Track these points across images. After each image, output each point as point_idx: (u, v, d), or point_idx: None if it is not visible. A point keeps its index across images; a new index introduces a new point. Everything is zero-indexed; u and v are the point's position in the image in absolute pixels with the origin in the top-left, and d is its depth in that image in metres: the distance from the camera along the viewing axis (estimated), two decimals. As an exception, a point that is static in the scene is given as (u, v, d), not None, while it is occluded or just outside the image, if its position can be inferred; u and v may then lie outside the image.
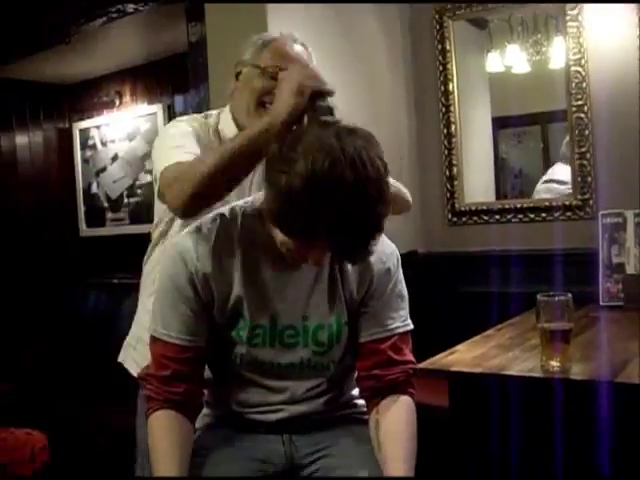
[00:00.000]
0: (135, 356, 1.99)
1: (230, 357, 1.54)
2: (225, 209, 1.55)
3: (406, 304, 1.62)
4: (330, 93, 1.47)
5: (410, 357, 1.59)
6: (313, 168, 1.21)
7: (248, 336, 1.51)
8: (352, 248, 1.32)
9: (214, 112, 1.94)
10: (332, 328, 1.54)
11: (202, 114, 1.95)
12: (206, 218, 1.54)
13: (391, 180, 1.40)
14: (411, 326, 1.61)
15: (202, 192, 1.50)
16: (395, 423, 1.51)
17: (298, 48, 1.82)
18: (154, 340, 1.52)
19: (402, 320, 1.58)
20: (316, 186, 1.21)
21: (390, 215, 1.42)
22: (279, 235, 1.35)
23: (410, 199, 1.89)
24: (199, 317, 1.49)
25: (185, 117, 1.92)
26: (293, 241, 1.33)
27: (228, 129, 1.83)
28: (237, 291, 1.49)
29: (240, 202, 1.57)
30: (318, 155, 1.22)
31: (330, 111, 1.45)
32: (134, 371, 1.96)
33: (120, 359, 2.08)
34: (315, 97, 1.46)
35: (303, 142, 1.25)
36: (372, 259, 1.51)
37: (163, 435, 1.46)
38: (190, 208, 1.55)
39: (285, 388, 1.56)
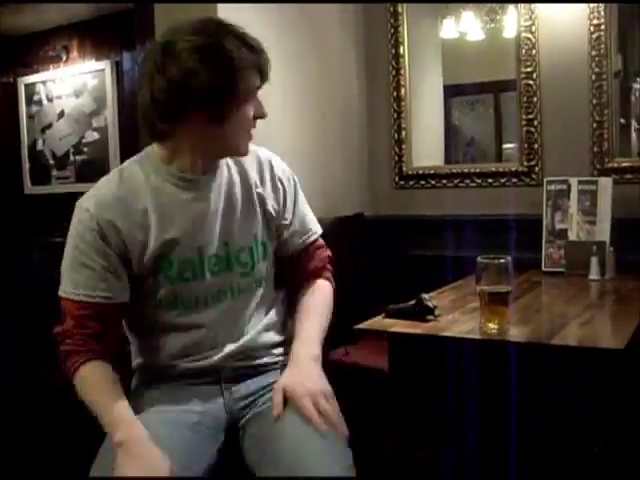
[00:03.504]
0: None
1: (149, 306, 1.55)
2: (123, 165, 1.58)
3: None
4: None
5: (328, 251, 1.79)
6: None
7: (178, 272, 1.52)
8: None
9: None
10: (253, 248, 1.61)
11: None
12: (105, 177, 1.58)
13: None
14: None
15: None
16: (311, 301, 1.69)
17: None
18: (65, 300, 1.50)
19: (315, 223, 1.77)
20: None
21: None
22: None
23: None
24: (110, 271, 1.49)
25: None
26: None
27: None
28: (157, 235, 1.50)
29: (135, 157, 1.60)
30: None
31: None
32: None
33: None
34: None
35: None
36: (281, 174, 1.67)
37: (99, 383, 1.45)
38: None
39: (208, 322, 1.56)
